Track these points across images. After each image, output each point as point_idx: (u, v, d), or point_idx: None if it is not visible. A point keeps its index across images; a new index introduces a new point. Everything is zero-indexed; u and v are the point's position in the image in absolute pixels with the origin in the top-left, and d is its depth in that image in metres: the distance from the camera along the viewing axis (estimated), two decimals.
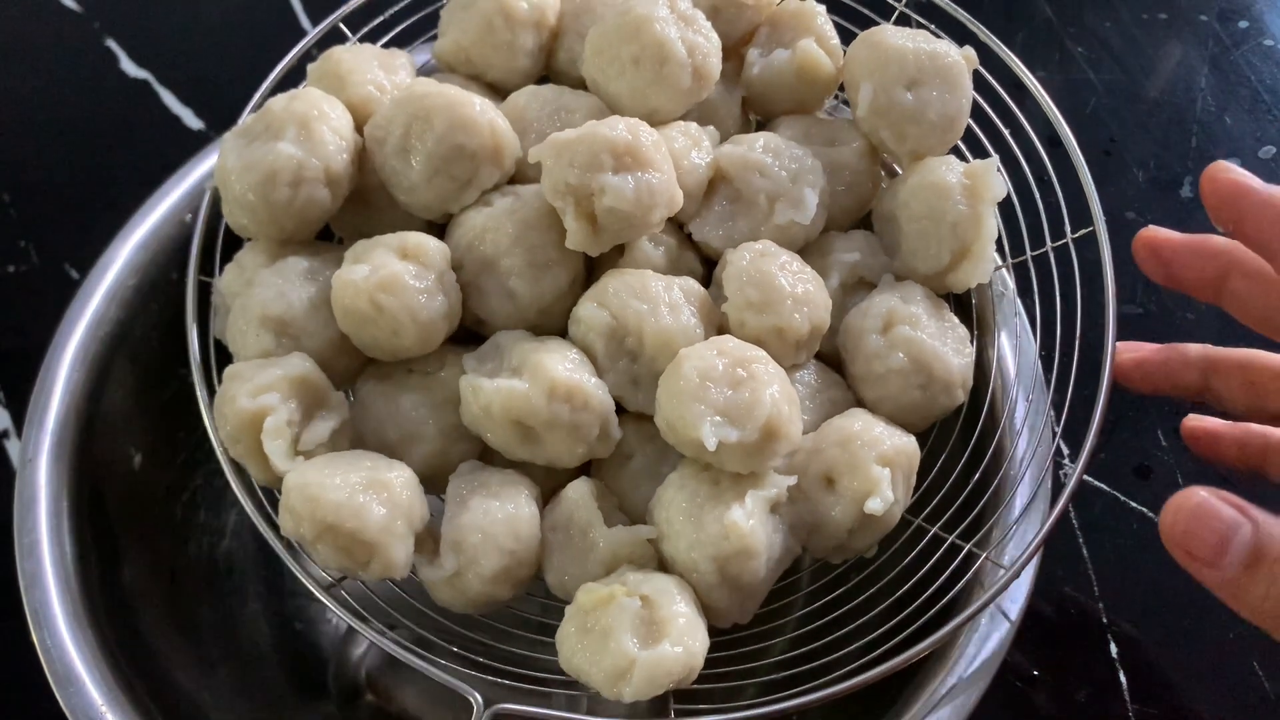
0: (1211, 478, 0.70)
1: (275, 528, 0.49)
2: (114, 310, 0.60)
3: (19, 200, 0.85)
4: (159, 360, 0.54)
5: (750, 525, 0.47)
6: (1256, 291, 0.53)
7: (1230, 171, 0.50)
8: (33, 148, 0.90)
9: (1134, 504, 0.70)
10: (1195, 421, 0.60)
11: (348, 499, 0.45)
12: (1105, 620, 0.66)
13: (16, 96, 0.93)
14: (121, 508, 0.60)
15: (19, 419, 0.73)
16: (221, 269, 0.57)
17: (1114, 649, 0.65)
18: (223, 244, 0.58)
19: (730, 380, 0.47)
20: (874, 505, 0.48)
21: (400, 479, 0.47)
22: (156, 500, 0.63)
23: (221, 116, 0.90)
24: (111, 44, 0.95)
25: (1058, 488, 0.51)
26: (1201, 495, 0.41)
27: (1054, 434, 0.55)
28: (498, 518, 0.48)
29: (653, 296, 0.51)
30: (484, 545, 0.48)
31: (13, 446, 0.73)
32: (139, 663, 0.54)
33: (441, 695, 0.50)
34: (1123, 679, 0.64)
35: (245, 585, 0.48)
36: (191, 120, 0.91)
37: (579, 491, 0.50)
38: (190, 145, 0.69)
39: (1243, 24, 0.95)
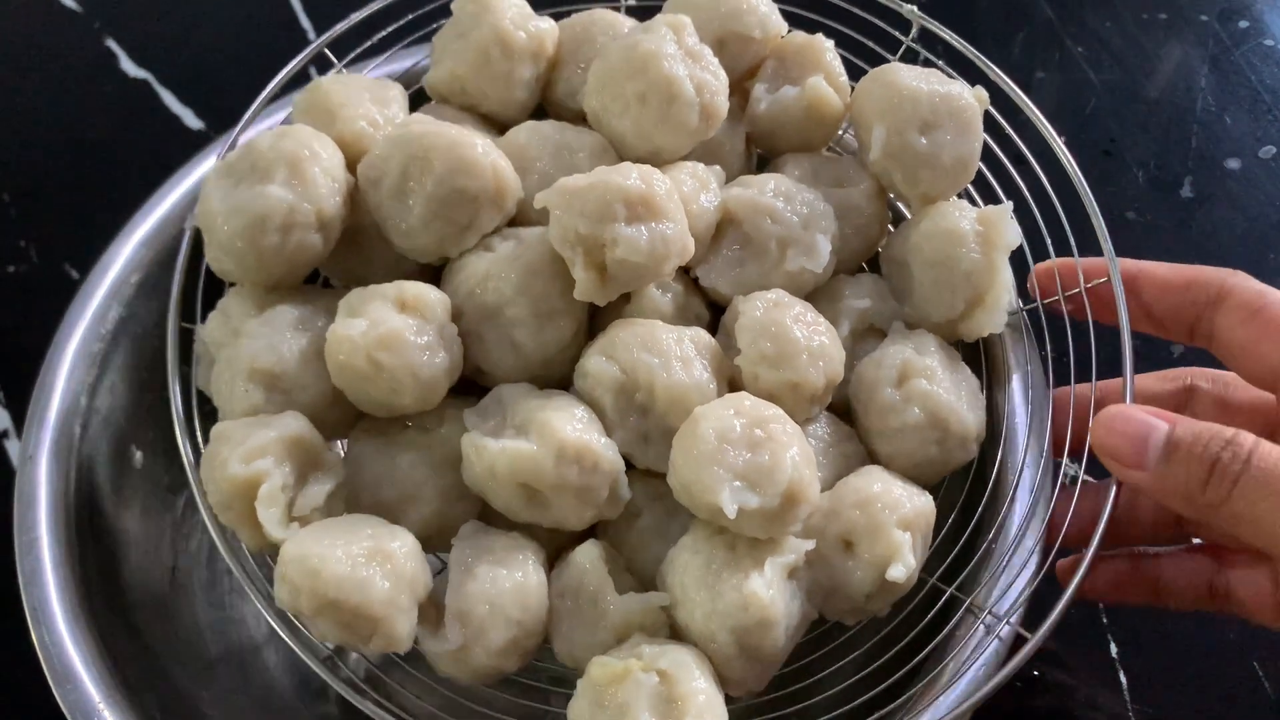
0: None
1: (266, 597, 0.47)
2: (115, 308, 0.60)
3: (19, 200, 0.85)
4: (160, 358, 0.54)
5: (770, 595, 0.45)
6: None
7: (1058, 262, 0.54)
8: (33, 147, 0.90)
9: None
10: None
11: (350, 572, 0.42)
12: (1105, 620, 0.66)
13: (16, 96, 0.93)
14: (122, 506, 0.59)
15: (19, 419, 0.73)
16: (203, 314, 0.54)
17: (1114, 649, 0.65)
18: (204, 287, 0.55)
19: (749, 442, 0.45)
20: (897, 573, 0.47)
21: (404, 549, 0.45)
22: (157, 498, 0.63)
23: (221, 116, 0.90)
24: (111, 44, 0.95)
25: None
26: (1120, 406, 0.48)
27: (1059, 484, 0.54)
28: (505, 587, 0.46)
29: (664, 350, 0.49)
30: (491, 617, 0.46)
31: (12, 446, 0.73)
32: (138, 661, 0.54)
33: (447, 703, 0.50)
34: (1123, 679, 0.64)
35: (245, 584, 0.48)
36: (191, 120, 0.90)
37: (589, 556, 0.48)
38: (190, 145, 0.69)
39: (1243, 24, 0.95)
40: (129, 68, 0.94)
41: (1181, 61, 0.93)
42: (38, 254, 0.82)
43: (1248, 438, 0.45)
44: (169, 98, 0.92)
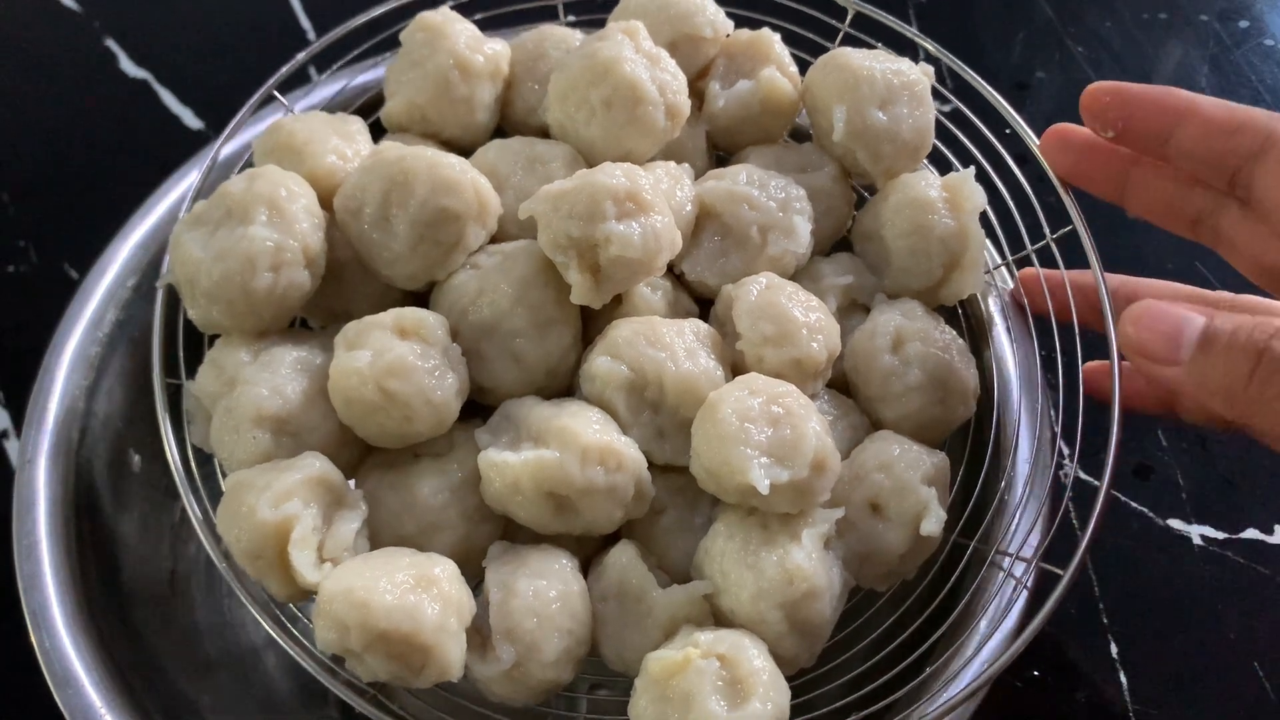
0: (1215, 480, 0.70)
1: (262, 604, 0.47)
2: (113, 311, 0.60)
3: (19, 200, 0.85)
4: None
5: (813, 565, 0.45)
6: (1155, 182, 0.53)
7: (1106, 85, 0.50)
8: (33, 148, 0.89)
9: (1134, 504, 0.70)
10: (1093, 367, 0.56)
11: (399, 601, 0.41)
12: (1105, 620, 0.66)
13: (16, 96, 0.92)
14: (120, 509, 0.59)
15: (19, 419, 0.73)
16: (188, 370, 0.53)
17: (1114, 649, 0.65)
18: (183, 345, 0.54)
19: (769, 419, 0.46)
20: (931, 526, 0.48)
21: (446, 573, 0.44)
22: (155, 502, 0.62)
23: (221, 116, 0.90)
24: (111, 44, 0.95)
25: (1091, 490, 0.50)
26: (1149, 300, 0.43)
27: (1054, 434, 0.55)
28: (550, 596, 0.46)
29: (667, 343, 0.49)
30: (542, 629, 0.45)
31: (12, 447, 0.73)
32: (138, 664, 0.53)
33: (443, 702, 0.50)
34: (1123, 679, 0.64)
35: (243, 596, 0.48)
36: (191, 120, 0.90)
37: (626, 556, 0.48)
38: (190, 145, 0.69)
39: (1243, 24, 0.95)
40: (129, 68, 0.93)
41: (1181, 61, 0.93)
42: (38, 254, 0.82)
43: None
44: (168, 98, 0.91)
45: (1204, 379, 0.42)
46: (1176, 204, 0.53)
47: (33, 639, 0.51)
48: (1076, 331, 0.54)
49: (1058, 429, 0.56)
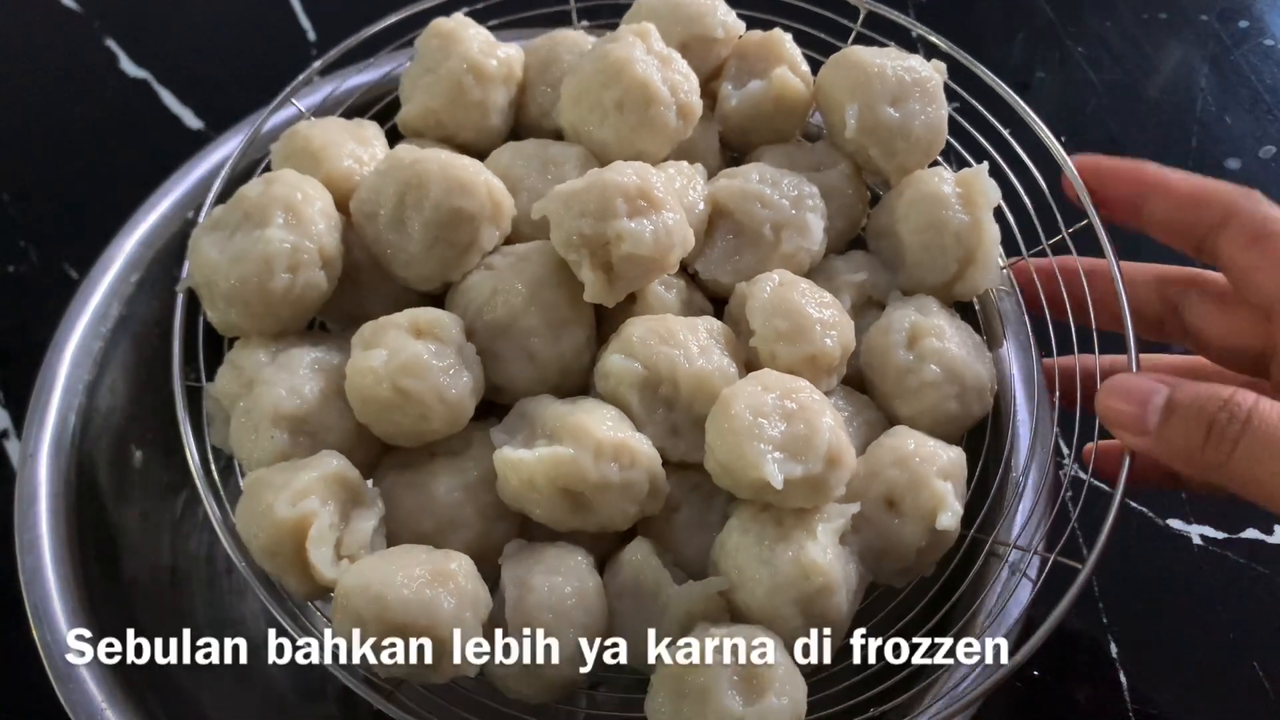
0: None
1: (266, 584, 0.47)
2: (115, 307, 0.60)
3: (19, 200, 0.85)
4: (159, 357, 0.54)
5: (828, 560, 0.45)
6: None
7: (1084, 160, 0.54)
8: (33, 148, 0.89)
9: (1134, 504, 0.70)
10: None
11: (416, 594, 0.42)
12: (1105, 620, 0.66)
13: (16, 96, 0.93)
14: (122, 505, 0.59)
15: (19, 419, 0.73)
16: (209, 374, 0.53)
17: (1114, 649, 0.65)
18: (203, 347, 0.54)
19: (783, 413, 0.46)
20: (946, 520, 0.48)
21: (462, 569, 0.44)
22: (157, 497, 0.62)
23: (221, 116, 0.90)
24: (111, 44, 0.95)
25: (1095, 490, 0.50)
26: (1124, 374, 0.48)
27: (1055, 435, 0.55)
28: (565, 593, 0.46)
29: (681, 340, 0.49)
30: (557, 624, 0.45)
31: (12, 446, 0.73)
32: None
33: (457, 699, 0.49)
34: (1123, 679, 0.64)
35: (245, 583, 0.48)
36: (191, 120, 0.90)
37: (641, 552, 0.48)
38: (190, 145, 0.69)
39: (1243, 24, 0.95)
40: (129, 68, 0.94)
41: (1181, 61, 0.93)
42: (38, 254, 0.82)
43: (1246, 397, 0.44)
44: (169, 98, 0.92)
45: (1166, 445, 0.46)
46: (1137, 311, 0.54)
47: (34, 634, 0.51)
48: (1093, 324, 0.53)
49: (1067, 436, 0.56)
